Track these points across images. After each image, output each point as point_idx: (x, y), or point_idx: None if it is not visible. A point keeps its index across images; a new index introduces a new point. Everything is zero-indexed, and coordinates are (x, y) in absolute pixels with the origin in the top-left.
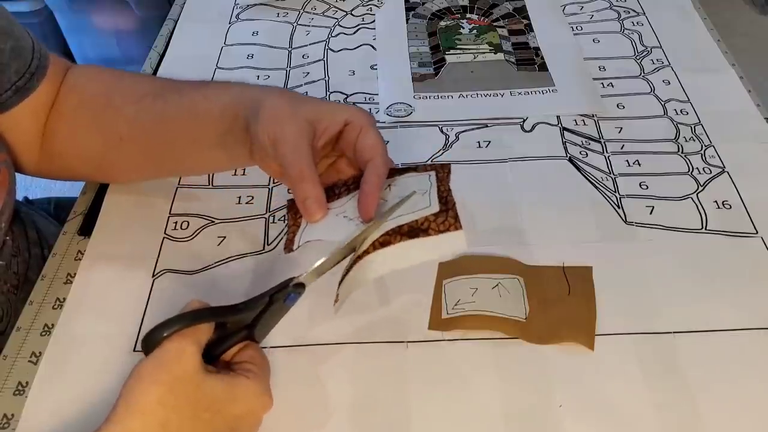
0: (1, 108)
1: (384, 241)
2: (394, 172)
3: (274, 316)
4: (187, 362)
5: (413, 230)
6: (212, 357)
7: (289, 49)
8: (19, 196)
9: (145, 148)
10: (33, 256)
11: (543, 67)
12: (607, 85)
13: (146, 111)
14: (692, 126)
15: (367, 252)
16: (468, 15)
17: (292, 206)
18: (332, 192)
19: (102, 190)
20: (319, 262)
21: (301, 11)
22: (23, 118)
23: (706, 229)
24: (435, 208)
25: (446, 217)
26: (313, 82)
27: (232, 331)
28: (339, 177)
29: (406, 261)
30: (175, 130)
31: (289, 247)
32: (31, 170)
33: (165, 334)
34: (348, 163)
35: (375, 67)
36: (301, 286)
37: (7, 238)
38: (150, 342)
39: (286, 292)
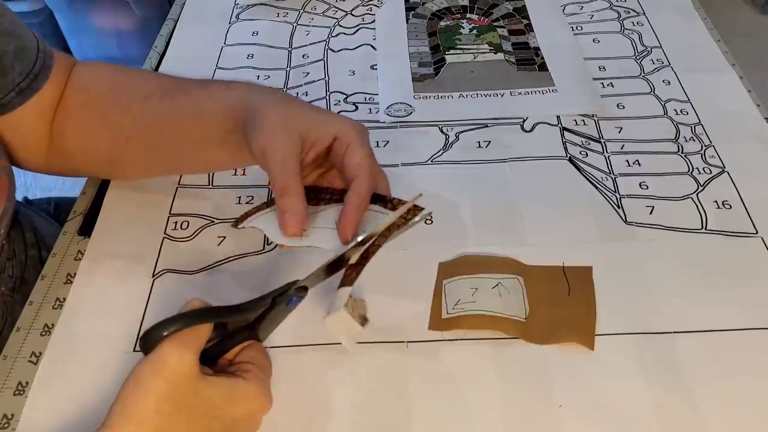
0: (4, 109)
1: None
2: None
3: (275, 318)
4: (185, 369)
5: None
6: (213, 357)
7: (289, 49)
8: (19, 197)
9: (151, 146)
10: (30, 258)
11: (543, 67)
12: (607, 85)
13: (153, 110)
14: (692, 126)
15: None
16: (468, 15)
17: (271, 201)
18: (317, 195)
19: (102, 190)
20: (319, 266)
21: (301, 11)
22: (28, 118)
23: (706, 229)
24: (356, 257)
25: (352, 271)
26: (313, 82)
27: (233, 332)
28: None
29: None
30: (181, 129)
31: (239, 221)
32: (41, 168)
33: (164, 333)
34: (338, 175)
35: (375, 67)
36: (303, 290)
37: (4, 242)
38: (148, 341)
39: (289, 295)
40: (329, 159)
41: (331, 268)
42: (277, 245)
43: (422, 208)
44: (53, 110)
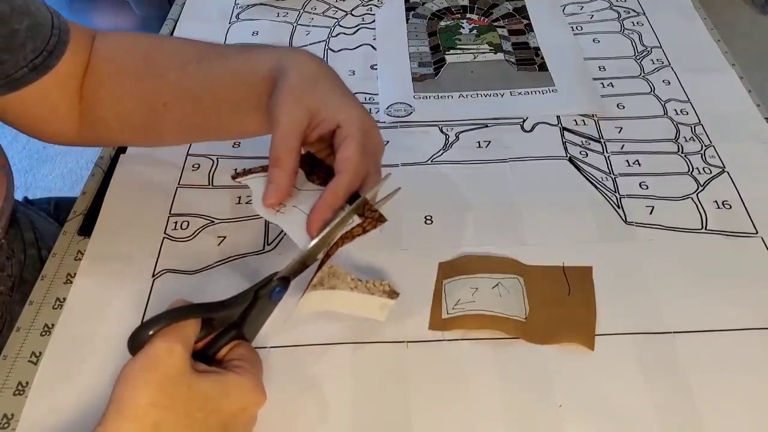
0: (17, 84)
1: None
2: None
3: (261, 312)
4: (176, 361)
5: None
6: (206, 358)
7: None
8: (19, 196)
9: (189, 112)
10: (29, 257)
11: (543, 67)
12: (607, 85)
13: (191, 75)
14: (692, 126)
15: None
16: (468, 15)
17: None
18: (314, 168)
19: (102, 190)
20: (297, 256)
21: (301, 11)
22: (51, 91)
23: (706, 229)
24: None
25: (314, 274)
26: None
27: (220, 331)
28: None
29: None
30: (220, 94)
31: (240, 175)
32: (73, 140)
33: (151, 332)
34: None
35: (375, 67)
36: (285, 281)
37: (3, 241)
38: (136, 341)
39: (271, 287)
40: (332, 143)
41: (309, 258)
42: (275, 244)
43: (385, 220)
44: (77, 83)
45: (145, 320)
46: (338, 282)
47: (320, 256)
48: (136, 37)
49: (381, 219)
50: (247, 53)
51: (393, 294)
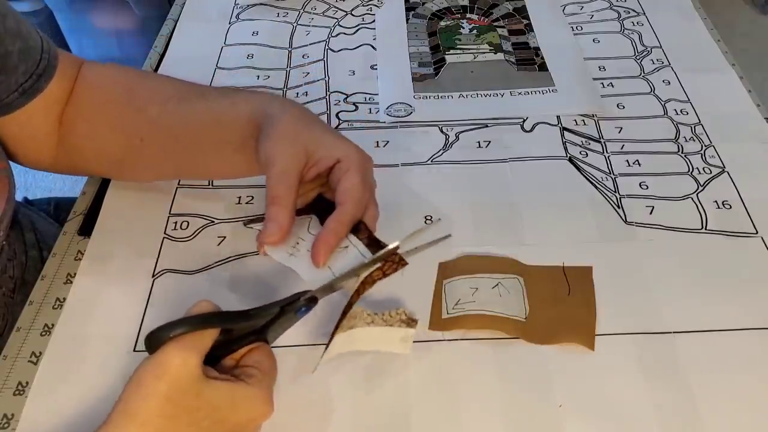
0: (8, 109)
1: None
2: (365, 233)
3: (283, 325)
4: (188, 372)
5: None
6: (216, 358)
7: (289, 49)
8: (19, 197)
9: (166, 149)
10: (30, 259)
11: (543, 67)
12: (607, 85)
13: (171, 113)
14: (692, 126)
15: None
16: (468, 15)
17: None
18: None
19: (102, 190)
20: (331, 279)
21: (301, 11)
22: (34, 116)
23: (706, 229)
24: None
25: (338, 321)
26: (313, 82)
27: (238, 335)
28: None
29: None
30: (200, 134)
31: (252, 222)
32: (47, 167)
33: (170, 335)
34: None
35: (375, 67)
36: (313, 300)
37: (4, 242)
38: (154, 341)
39: (298, 305)
40: (329, 180)
41: (341, 281)
42: None
43: (406, 263)
44: (60, 109)
45: (168, 321)
46: (356, 321)
47: (342, 285)
48: (120, 69)
49: (402, 263)
50: (229, 96)
51: (411, 322)
